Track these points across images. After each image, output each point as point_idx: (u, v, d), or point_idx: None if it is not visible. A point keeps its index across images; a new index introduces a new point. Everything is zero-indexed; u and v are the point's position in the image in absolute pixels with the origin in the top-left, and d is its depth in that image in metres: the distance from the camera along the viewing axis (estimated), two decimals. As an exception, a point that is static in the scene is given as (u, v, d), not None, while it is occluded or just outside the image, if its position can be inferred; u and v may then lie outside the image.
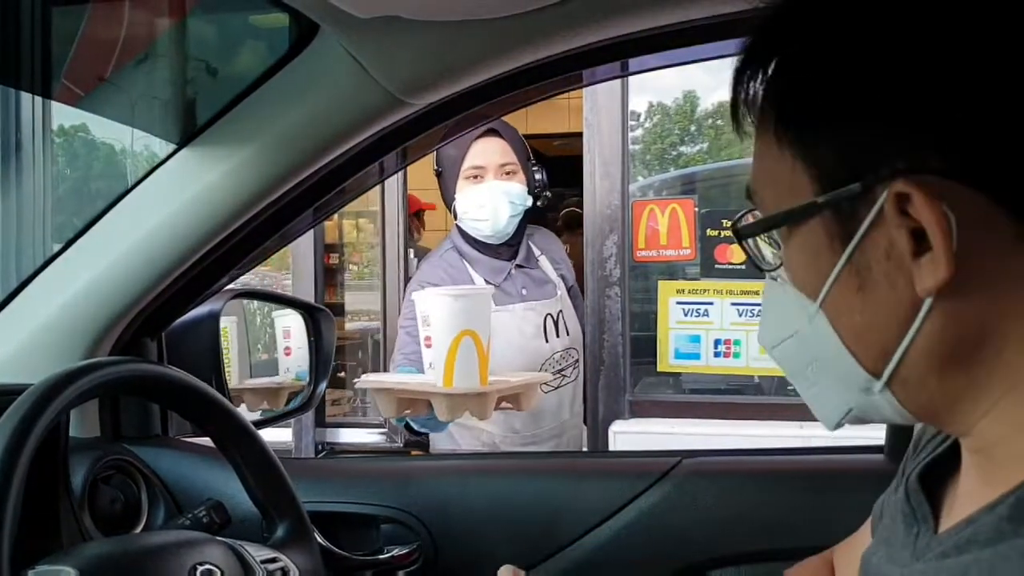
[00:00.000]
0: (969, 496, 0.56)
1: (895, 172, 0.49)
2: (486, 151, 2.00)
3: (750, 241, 0.60)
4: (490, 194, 1.97)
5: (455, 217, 2.04)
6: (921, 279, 0.50)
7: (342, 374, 3.85)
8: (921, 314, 0.51)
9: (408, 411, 1.46)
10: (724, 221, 2.65)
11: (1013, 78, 0.47)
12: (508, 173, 2.00)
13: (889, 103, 0.50)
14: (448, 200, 2.05)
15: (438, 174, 2.08)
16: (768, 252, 0.60)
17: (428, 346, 1.34)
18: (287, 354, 1.47)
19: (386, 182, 3.45)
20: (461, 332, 1.19)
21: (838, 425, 0.60)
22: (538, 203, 2.06)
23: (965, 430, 0.55)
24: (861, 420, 0.59)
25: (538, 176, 2.07)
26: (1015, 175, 0.48)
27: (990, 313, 0.50)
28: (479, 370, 1.20)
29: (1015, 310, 0.50)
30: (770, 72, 0.55)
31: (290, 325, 1.45)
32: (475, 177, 1.99)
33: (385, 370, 3.45)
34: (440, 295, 1.18)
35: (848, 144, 0.51)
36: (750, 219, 0.61)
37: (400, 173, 3.36)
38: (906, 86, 0.49)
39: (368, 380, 1.39)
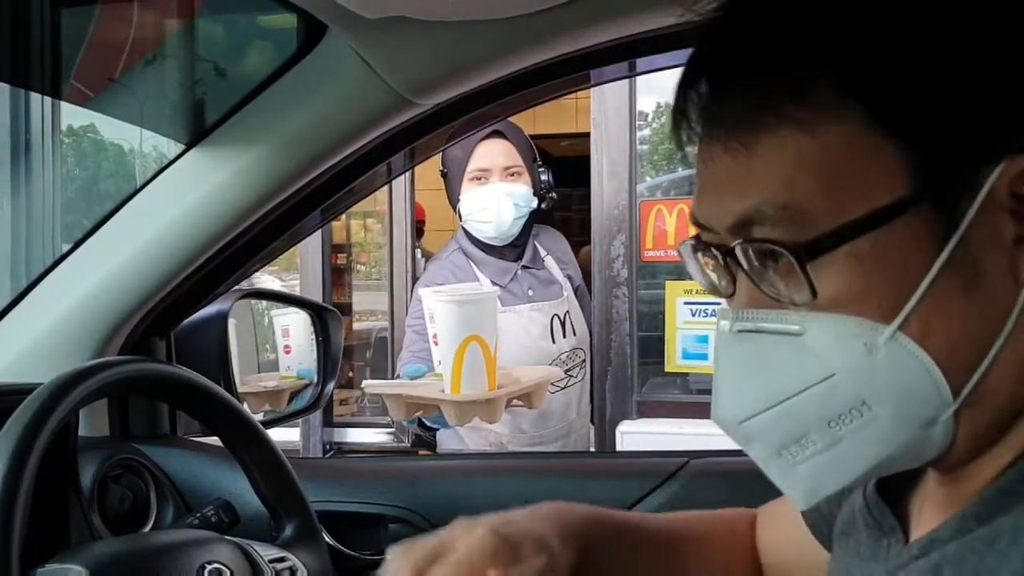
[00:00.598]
0: (940, 502, 0.54)
1: (1013, 149, 0.45)
2: (490, 153, 1.99)
3: (814, 268, 0.48)
4: (494, 196, 1.97)
5: (460, 219, 2.05)
6: None
7: (351, 374, 3.85)
8: (1020, 304, 0.46)
9: (419, 413, 1.46)
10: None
11: None
12: (513, 175, 2.00)
13: (997, 79, 0.46)
14: (453, 201, 2.05)
15: (443, 175, 2.08)
16: (781, 287, 0.50)
17: (436, 343, 1.34)
18: (287, 352, 1.47)
19: (393, 182, 3.45)
20: (467, 338, 1.17)
21: (830, 494, 0.53)
22: (542, 205, 2.06)
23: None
24: (878, 473, 0.52)
25: (544, 177, 2.07)
26: None
27: None
28: (487, 375, 1.19)
29: None
30: (833, 57, 0.47)
31: (289, 324, 1.46)
32: (479, 179, 1.99)
33: (394, 369, 3.46)
34: (444, 301, 1.17)
35: (957, 126, 0.46)
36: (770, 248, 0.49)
37: (407, 173, 3.36)
38: (1014, 64, 0.46)
39: (375, 384, 1.38)
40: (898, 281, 0.47)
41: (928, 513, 0.56)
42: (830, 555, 0.67)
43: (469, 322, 1.17)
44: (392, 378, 2.20)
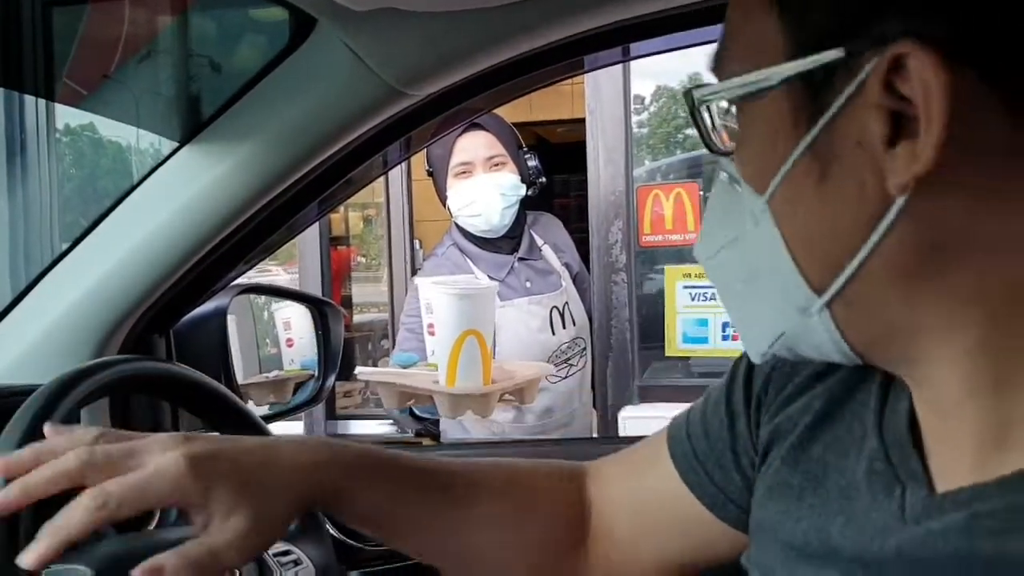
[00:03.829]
0: (963, 449, 0.48)
1: (892, 35, 0.41)
2: (471, 146, 1.98)
3: (706, 116, 0.51)
4: (480, 189, 1.96)
5: (451, 215, 2.04)
6: (895, 171, 0.42)
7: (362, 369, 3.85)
8: (890, 216, 0.43)
9: (411, 402, 1.46)
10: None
11: None
12: (496, 165, 1.98)
13: None
14: (442, 198, 2.05)
15: (430, 174, 2.07)
16: (722, 137, 0.52)
17: (432, 334, 1.33)
18: (289, 345, 1.47)
19: (389, 174, 3.45)
20: (465, 332, 1.16)
21: (764, 356, 0.54)
22: (529, 192, 2.04)
23: (917, 373, 0.49)
24: (791, 350, 0.52)
25: (531, 163, 2.05)
26: (1019, 54, 0.41)
27: (975, 221, 0.43)
28: (482, 370, 1.18)
29: (1012, 222, 0.43)
30: None
31: (290, 316, 1.46)
32: (463, 173, 1.98)
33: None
34: (444, 293, 1.15)
35: (836, 7, 0.44)
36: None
37: (404, 164, 3.36)
38: None
39: (368, 372, 1.37)
40: (769, 155, 0.47)
41: (946, 456, 0.50)
42: (748, 517, 0.64)
43: (467, 316, 1.16)
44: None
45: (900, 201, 0.43)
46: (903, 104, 0.42)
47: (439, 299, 1.16)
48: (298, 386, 1.43)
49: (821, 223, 0.46)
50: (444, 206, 2.05)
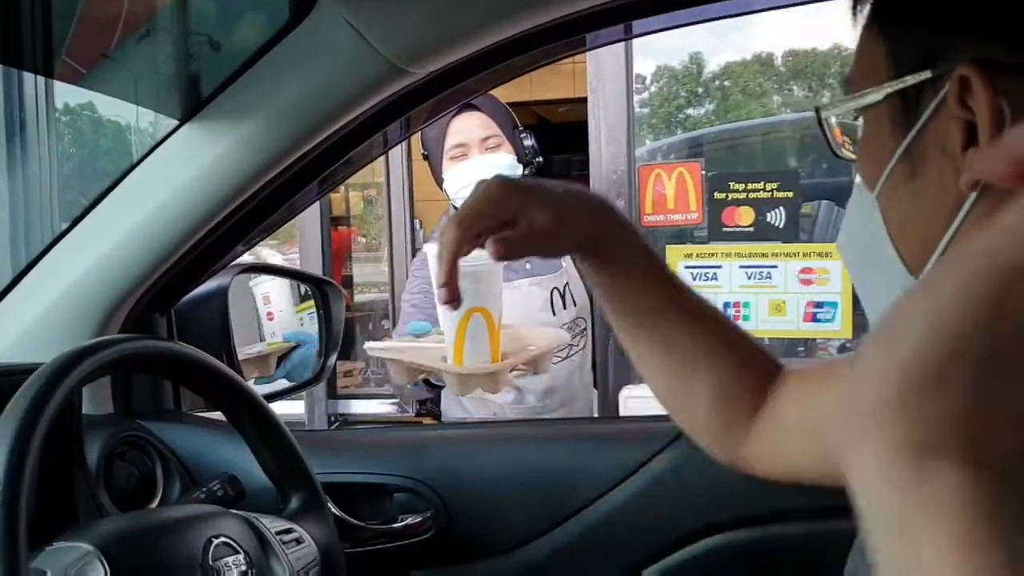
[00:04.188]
0: None
1: (962, 61, 0.49)
2: (465, 127, 1.95)
3: (828, 125, 0.62)
4: (476, 170, 1.92)
5: (448, 198, 2.02)
6: (965, 172, 0.50)
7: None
8: (964, 209, 0.51)
9: (422, 376, 1.44)
10: (731, 184, 2.63)
11: None
12: (492, 146, 1.95)
13: (967, 2, 0.51)
14: (439, 181, 2.02)
15: (425, 157, 2.05)
16: (840, 140, 0.63)
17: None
18: (270, 319, 1.47)
19: (390, 154, 3.44)
20: (469, 310, 1.11)
21: None
22: (526, 172, 2.01)
23: None
24: None
25: (527, 143, 2.02)
26: None
27: None
28: (490, 348, 1.15)
29: None
30: None
31: (268, 291, 1.46)
32: (459, 156, 1.95)
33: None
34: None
35: (927, 35, 0.52)
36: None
37: (404, 144, 3.35)
38: None
39: (377, 347, 1.34)
40: (877, 157, 0.56)
41: None
42: None
43: (472, 294, 1.10)
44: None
45: (972, 196, 0.50)
46: (974, 116, 0.50)
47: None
48: (280, 359, 1.43)
49: (913, 214, 0.55)
50: (441, 189, 2.03)
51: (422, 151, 2.06)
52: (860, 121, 0.60)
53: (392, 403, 3.52)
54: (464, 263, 1.09)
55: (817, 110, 0.62)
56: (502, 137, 1.97)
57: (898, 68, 0.54)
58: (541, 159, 2.04)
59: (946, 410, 0.32)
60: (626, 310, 0.83)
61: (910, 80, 0.53)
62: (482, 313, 1.12)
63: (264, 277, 1.45)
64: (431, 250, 1.24)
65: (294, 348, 1.45)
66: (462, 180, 1.94)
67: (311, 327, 1.47)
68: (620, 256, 0.80)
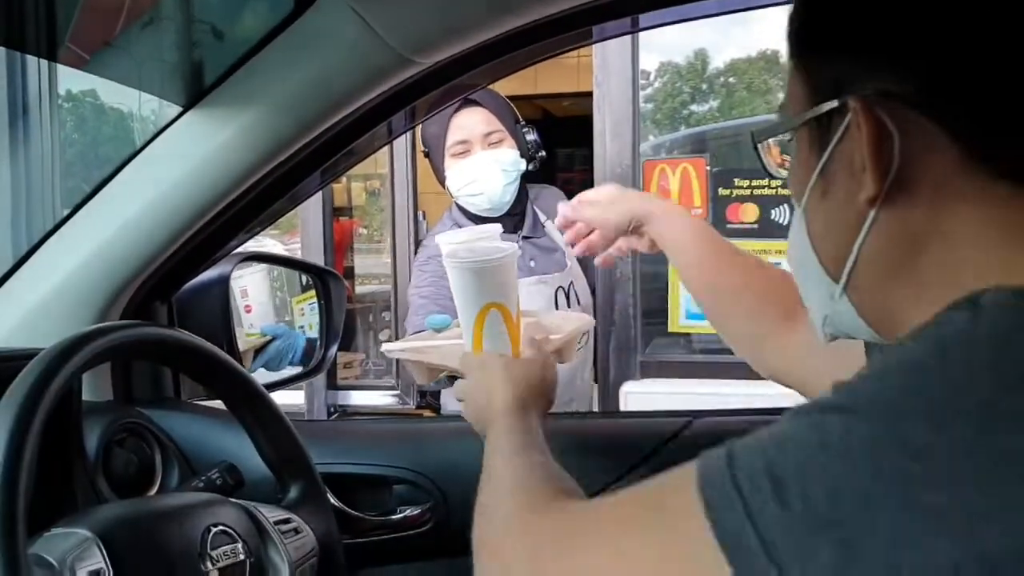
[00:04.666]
0: None
1: (859, 92, 0.55)
2: (467, 123, 1.92)
3: (761, 149, 0.70)
4: (480, 167, 1.91)
5: (450, 195, 1.99)
6: (862, 191, 0.56)
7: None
8: (866, 224, 0.57)
9: (444, 373, 1.40)
10: (736, 180, 2.63)
11: (961, 30, 0.53)
12: (495, 142, 1.93)
13: (866, 35, 0.56)
14: (440, 179, 2.00)
15: (426, 154, 2.02)
16: (775, 161, 0.71)
17: None
18: (248, 311, 1.47)
19: (394, 146, 3.43)
20: (486, 306, 1.04)
21: (825, 336, 0.66)
22: (530, 166, 1.99)
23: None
24: (838, 330, 0.65)
25: (530, 137, 1.99)
26: (960, 106, 0.53)
27: (931, 230, 0.55)
28: (510, 344, 1.06)
29: (958, 232, 0.54)
30: (795, 4, 0.63)
31: (246, 284, 1.46)
32: (462, 152, 1.92)
33: (398, 334, 3.46)
34: (456, 266, 1.05)
35: (835, 67, 0.58)
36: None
37: (408, 136, 3.34)
38: (879, 22, 0.56)
39: (396, 347, 1.30)
40: (800, 176, 0.62)
41: None
42: None
43: (487, 288, 1.04)
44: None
45: (872, 212, 0.56)
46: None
47: (451, 272, 1.09)
48: (257, 352, 1.43)
49: (827, 228, 0.61)
50: (443, 186, 2.00)
51: (423, 149, 2.03)
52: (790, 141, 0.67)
53: (394, 395, 3.52)
54: (476, 257, 1.05)
55: (752, 135, 0.69)
56: (504, 132, 1.95)
57: (814, 97, 0.60)
58: (544, 153, 2.02)
59: None
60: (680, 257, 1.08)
61: (822, 108, 0.58)
62: (499, 308, 1.05)
63: (243, 270, 1.45)
64: (442, 240, 1.19)
65: (270, 341, 1.45)
66: (465, 177, 1.92)
67: (304, 319, 1.46)
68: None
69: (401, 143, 3.45)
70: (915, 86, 0.54)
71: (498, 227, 1.27)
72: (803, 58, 0.61)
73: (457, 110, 1.90)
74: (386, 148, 3.39)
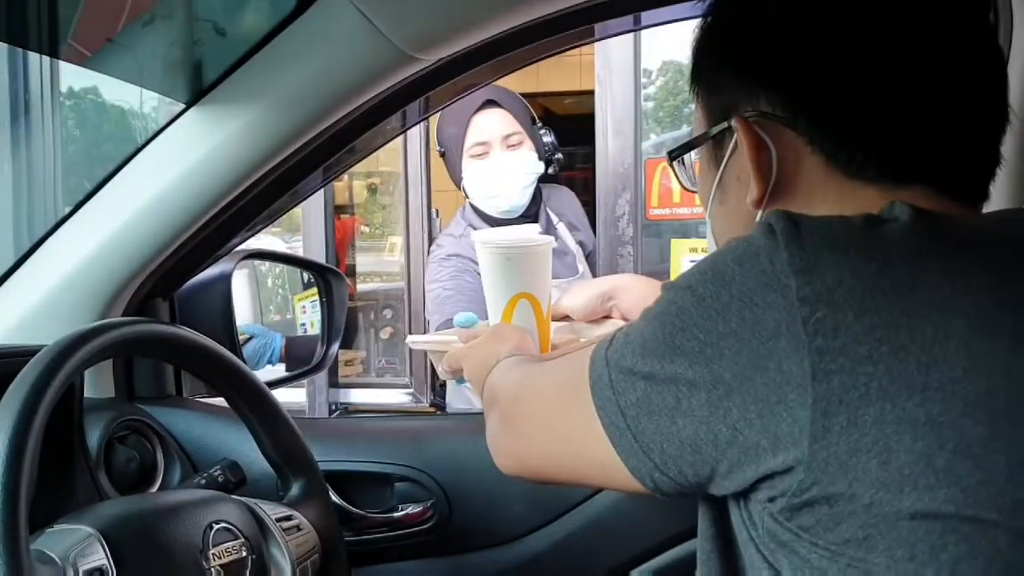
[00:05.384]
0: None
1: (740, 113, 0.67)
2: (487, 125, 1.90)
3: (678, 165, 0.79)
4: (499, 169, 1.88)
5: (466, 196, 1.97)
6: (749, 195, 0.67)
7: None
8: (756, 221, 0.63)
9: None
10: (737, 179, 2.62)
11: (816, 61, 0.63)
12: (514, 144, 1.91)
13: (745, 70, 0.67)
14: (456, 180, 1.97)
15: (442, 154, 1.99)
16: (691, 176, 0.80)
17: None
18: None
19: (408, 143, 3.42)
20: (516, 296, 1.01)
21: None
22: (549, 169, 1.97)
23: None
24: None
25: (547, 139, 1.98)
26: (817, 121, 0.64)
27: None
28: (539, 338, 1.03)
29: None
30: (696, 35, 0.73)
31: None
32: (480, 154, 1.90)
33: (411, 331, 3.45)
34: (488, 251, 1.02)
35: (723, 93, 0.69)
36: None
37: (423, 134, 3.33)
38: (752, 55, 0.66)
39: (421, 340, 1.24)
40: (704, 187, 0.74)
41: None
42: None
43: (519, 276, 1.01)
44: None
45: (759, 213, 0.67)
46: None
47: (482, 257, 1.02)
48: None
49: (726, 229, 0.72)
50: (459, 188, 1.97)
51: (438, 149, 2.00)
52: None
53: (407, 393, 3.51)
54: (511, 244, 1.02)
55: (668, 154, 0.79)
56: (523, 134, 1.92)
57: (710, 120, 0.71)
58: (560, 155, 2.00)
59: None
60: None
61: (715, 130, 0.70)
62: (529, 299, 1.01)
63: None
64: (479, 237, 1.14)
65: (248, 340, 1.45)
66: (483, 179, 1.89)
67: (306, 316, 1.46)
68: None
69: (415, 141, 3.44)
70: (782, 107, 0.65)
71: (536, 226, 1.23)
72: (699, 88, 0.72)
73: (477, 111, 1.88)
74: (400, 146, 3.39)
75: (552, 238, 1.06)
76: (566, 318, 1.13)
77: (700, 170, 0.76)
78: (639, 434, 0.59)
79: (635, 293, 1.09)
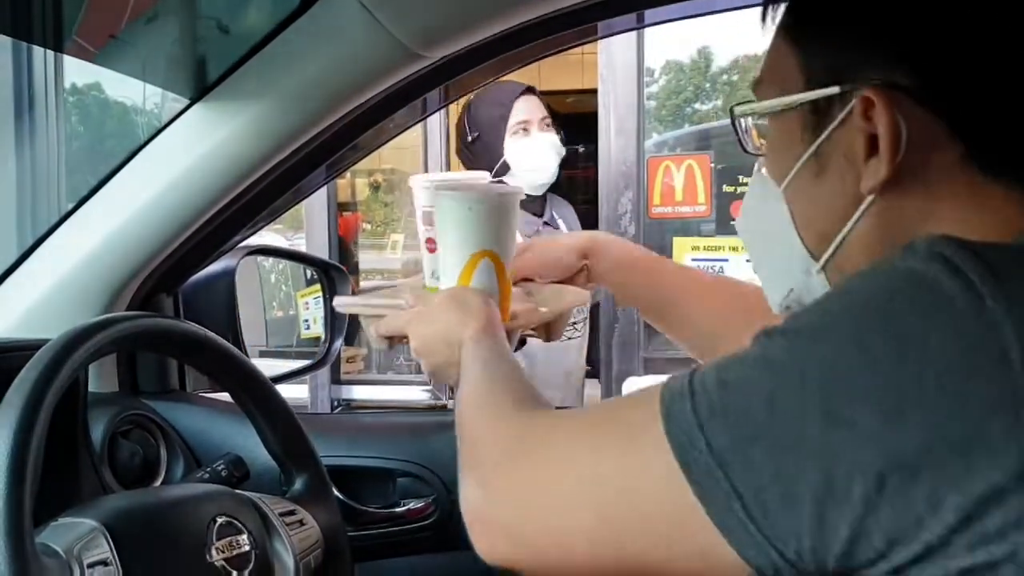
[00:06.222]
0: None
1: (868, 82, 0.57)
2: (528, 107, 2.14)
3: (741, 123, 0.69)
4: (540, 145, 2.13)
5: (495, 175, 2.11)
6: (866, 178, 0.57)
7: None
8: (861, 208, 0.59)
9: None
10: (740, 177, 2.63)
11: (975, 28, 0.54)
12: (547, 126, 2.16)
13: (876, 26, 0.57)
14: (492, 161, 2.12)
15: (472, 141, 2.17)
16: (754, 139, 0.69)
17: (431, 250, 1.00)
18: None
19: (428, 140, 3.42)
20: (478, 253, 0.87)
21: (781, 306, 0.68)
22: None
23: None
24: (799, 303, 0.66)
25: (559, 133, 2.20)
26: (968, 106, 0.55)
27: (922, 220, 0.57)
28: (499, 304, 0.89)
29: (945, 220, 0.56)
30: None
31: None
32: (524, 131, 2.13)
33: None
34: (449, 198, 0.87)
35: (837, 54, 0.59)
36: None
37: (443, 132, 3.33)
38: (891, 16, 0.57)
39: (346, 301, 1.08)
40: (785, 158, 0.63)
41: None
42: None
43: (482, 230, 0.86)
44: None
45: (869, 198, 0.58)
46: (876, 129, 0.56)
47: (444, 205, 0.87)
48: None
49: (817, 208, 0.62)
50: (490, 172, 2.10)
51: (471, 135, 2.17)
52: (765, 121, 0.68)
53: (425, 390, 3.50)
54: (477, 191, 0.88)
55: (732, 110, 0.69)
56: (551, 119, 2.18)
57: (809, 80, 0.61)
58: (565, 151, 2.22)
59: None
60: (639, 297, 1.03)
61: (820, 93, 0.59)
62: (492, 259, 0.87)
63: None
64: (416, 184, 0.99)
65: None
66: (527, 154, 2.12)
67: (308, 312, 1.46)
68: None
69: (435, 139, 3.44)
70: (923, 81, 0.55)
71: (486, 174, 1.15)
72: (799, 38, 0.62)
73: (518, 96, 2.14)
74: (421, 144, 3.40)
75: (522, 187, 0.97)
76: (523, 281, 1.00)
77: (774, 137, 0.66)
78: (766, 525, 0.47)
79: (612, 256, 1.00)
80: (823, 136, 0.60)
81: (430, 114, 1.71)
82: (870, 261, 0.56)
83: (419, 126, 3.25)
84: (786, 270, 0.66)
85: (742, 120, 0.69)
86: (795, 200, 0.64)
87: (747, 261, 0.76)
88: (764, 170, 0.67)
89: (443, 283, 0.90)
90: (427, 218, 0.99)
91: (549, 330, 0.99)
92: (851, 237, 0.60)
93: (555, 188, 2.28)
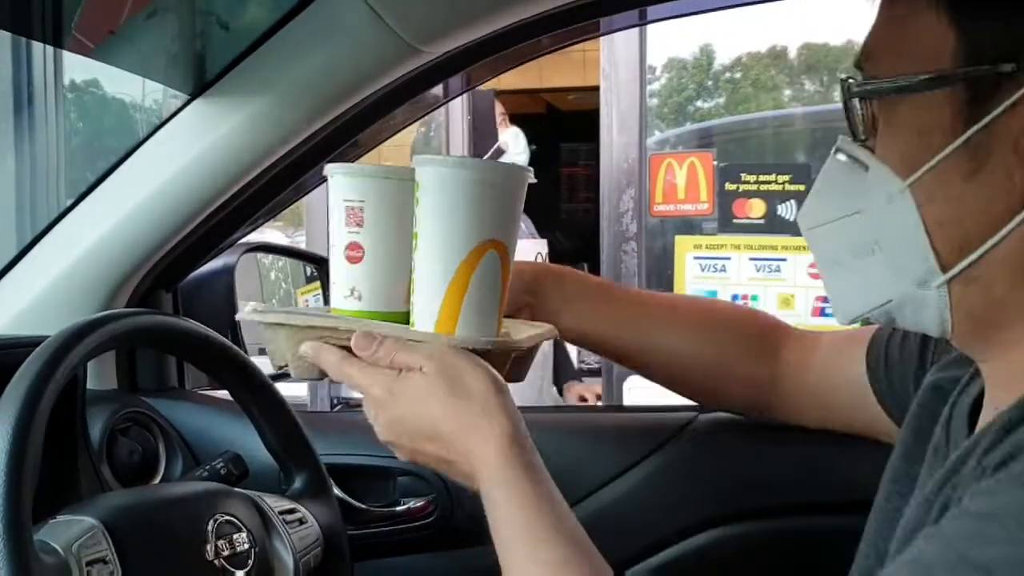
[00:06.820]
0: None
1: None
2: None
3: (857, 104, 0.56)
4: (516, 137, 2.27)
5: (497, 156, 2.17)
6: None
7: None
8: (1021, 216, 0.49)
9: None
10: (743, 175, 2.62)
11: None
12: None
13: None
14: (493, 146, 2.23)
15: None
16: (869, 123, 0.57)
17: (354, 260, 0.78)
18: None
19: (450, 141, 3.41)
20: (484, 243, 0.67)
21: (853, 320, 0.60)
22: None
23: (1003, 355, 0.54)
24: (888, 316, 0.57)
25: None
26: None
27: None
28: (498, 314, 0.72)
29: None
30: None
31: None
32: (504, 123, 2.27)
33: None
34: (450, 168, 0.68)
35: (1009, 26, 0.49)
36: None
37: (467, 133, 3.33)
38: None
39: (253, 311, 0.81)
40: (920, 146, 0.52)
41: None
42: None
43: (492, 213, 0.67)
44: None
45: None
46: None
47: (429, 183, 0.68)
48: None
49: (963, 210, 0.51)
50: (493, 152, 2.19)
51: (472, 122, 2.26)
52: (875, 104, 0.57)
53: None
54: (485, 166, 0.70)
55: (847, 86, 0.56)
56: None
57: (969, 56, 0.50)
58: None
59: None
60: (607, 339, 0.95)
61: (987, 70, 0.49)
62: (499, 252, 0.68)
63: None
64: (334, 169, 0.84)
65: None
66: (517, 139, 2.17)
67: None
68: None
69: (457, 139, 3.44)
70: None
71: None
72: (960, 9, 0.51)
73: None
74: (443, 141, 3.39)
75: (531, 169, 0.72)
76: None
77: (902, 122, 0.54)
78: None
79: (564, 291, 0.87)
80: (981, 123, 0.50)
81: (453, 97, 1.72)
82: (1016, 283, 0.50)
83: (441, 123, 3.24)
84: (889, 278, 0.55)
85: (856, 102, 0.56)
86: (931, 198, 0.52)
87: (809, 266, 0.72)
88: (868, 157, 0.56)
89: (420, 295, 0.70)
90: (353, 216, 0.80)
91: (514, 369, 0.78)
92: (999, 249, 0.50)
93: (555, 188, 2.28)
